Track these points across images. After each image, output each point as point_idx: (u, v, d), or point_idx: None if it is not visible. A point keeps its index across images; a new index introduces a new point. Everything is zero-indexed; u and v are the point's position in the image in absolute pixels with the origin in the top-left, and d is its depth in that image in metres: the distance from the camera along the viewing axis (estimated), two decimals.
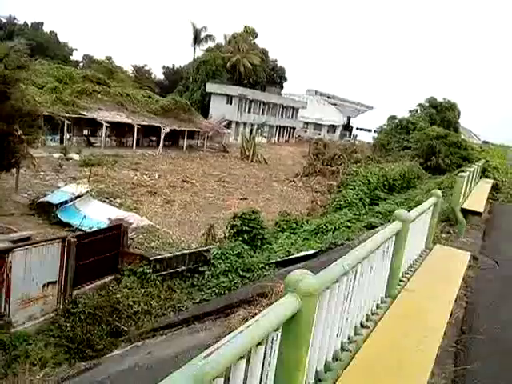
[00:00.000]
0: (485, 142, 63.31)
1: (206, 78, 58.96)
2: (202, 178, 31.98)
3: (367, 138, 57.64)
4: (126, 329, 10.54)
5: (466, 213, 8.96)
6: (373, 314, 3.67)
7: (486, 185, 14.29)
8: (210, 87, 56.36)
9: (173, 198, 25.44)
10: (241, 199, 28.10)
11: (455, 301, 4.37)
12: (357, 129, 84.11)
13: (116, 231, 13.17)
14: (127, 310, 10.85)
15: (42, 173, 25.54)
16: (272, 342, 1.90)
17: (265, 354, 1.86)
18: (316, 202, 25.93)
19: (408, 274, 4.78)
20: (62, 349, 9.73)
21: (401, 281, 4.51)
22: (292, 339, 1.99)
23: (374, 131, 50.55)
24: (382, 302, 3.93)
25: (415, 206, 5.30)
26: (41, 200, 19.00)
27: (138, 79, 60.10)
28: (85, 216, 17.05)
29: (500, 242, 8.48)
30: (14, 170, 19.67)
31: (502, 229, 9.90)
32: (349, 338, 3.14)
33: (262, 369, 1.91)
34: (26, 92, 18.47)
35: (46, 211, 18.42)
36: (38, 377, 7.78)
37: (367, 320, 3.51)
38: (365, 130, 76.81)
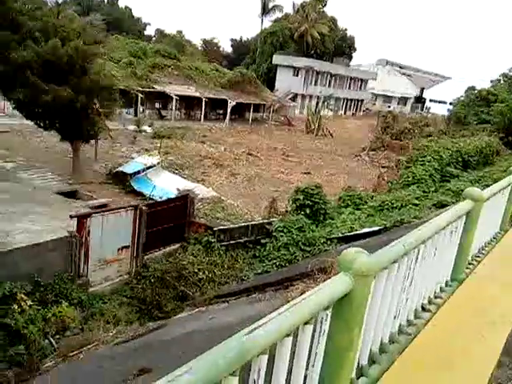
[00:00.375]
0: None
1: (272, 50, 58.26)
2: (266, 152, 32.16)
3: (442, 110, 54.17)
4: (191, 294, 11.16)
5: None
6: (436, 297, 3.49)
7: None
8: (277, 59, 55.66)
9: (237, 171, 25.94)
10: (304, 173, 27.96)
11: None
12: (430, 101, 79.19)
13: (183, 201, 13.79)
14: (192, 276, 11.47)
15: (118, 144, 27.12)
16: (321, 322, 1.87)
17: (314, 332, 1.84)
18: (382, 177, 25.11)
19: (479, 257, 4.50)
20: (133, 308, 10.57)
21: (470, 264, 4.26)
22: (343, 319, 1.93)
23: (450, 103, 47.34)
24: (446, 286, 3.73)
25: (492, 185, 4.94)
26: (116, 170, 20.26)
27: (207, 52, 60.91)
28: (154, 186, 17.96)
29: None
30: (92, 142, 21.07)
31: None
32: (408, 321, 2.99)
33: (311, 348, 1.88)
34: (104, 67, 19.43)
35: (121, 180, 19.64)
36: (111, 333, 8.55)
37: (429, 303, 3.34)
38: (439, 101, 72.14)
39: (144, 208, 12.00)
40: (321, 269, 6.77)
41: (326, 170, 29.63)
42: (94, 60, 17.62)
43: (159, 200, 15.73)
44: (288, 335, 1.61)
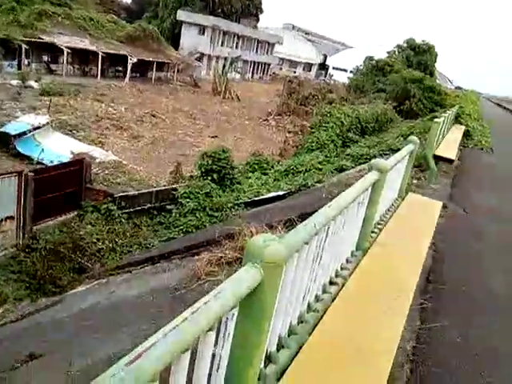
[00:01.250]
0: (458, 88, 63.54)
1: (177, 5, 54.92)
2: (171, 114, 30.78)
3: (343, 78, 56.46)
4: (90, 266, 10.32)
5: (438, 159, 8.88)
6: (342, 269, 3.43)
7: (458, 131, 14.29)
8: (181, 15, 52.65)
9: (140, 133, 24.49)
10: (211, 137, 27.41)
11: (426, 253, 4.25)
12: (333, 68, 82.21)
13: (78, 166, 12.52)
14: (91, 247, 10.58)
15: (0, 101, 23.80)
16: (226, 323, 1.60)
17: (217, 336, 1.56)
18: (288, 142, 25.64)
19: (380, 224, 4.60)
20: (22, 284, 9.48)
21: (372, 232, 4.29)
22: (252, 315, 1.70)
23: (350, 71, 49.50)
24: (352, 256, 3.71)
25: (387, 151, 5.06)
26: None
27: (102, 2, 55.38)
28: (43, 149, 16.13)
29: (469, 190, 8.52)
30: None
31: (471, 176, 9.96)
32: (316, 297, 2.87)
33: (214, 356, 1.62)
34: None
35: (3, 142, 17.30)
36: None
37: (336, 276, 3.27)
38: (341, 69, 75.16)
39: (30, 174, 10.62)
40: (228, 235, 6.52)
41: (233, 134, 29.36)
42: None
43: (50, 165, 14.16)
44: (186, 350, 1.27)
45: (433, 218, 4.94)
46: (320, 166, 15.73)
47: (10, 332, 6.49)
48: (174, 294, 5.35)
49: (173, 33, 54.09)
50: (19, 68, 31.85)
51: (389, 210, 5.05)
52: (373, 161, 3.75)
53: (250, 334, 1.72)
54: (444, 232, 5.42)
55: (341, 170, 15.48)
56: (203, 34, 53.18)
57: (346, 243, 3.39)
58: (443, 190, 8.03)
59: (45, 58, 34.47)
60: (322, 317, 2.74)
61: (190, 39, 52.48)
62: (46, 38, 32.67)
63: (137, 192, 13.07)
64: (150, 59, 39.61)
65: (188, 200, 12.75)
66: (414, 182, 8.51)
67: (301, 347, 2.41)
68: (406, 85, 29.10)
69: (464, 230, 6.01)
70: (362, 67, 38.36)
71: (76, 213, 12.18)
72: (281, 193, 12.91)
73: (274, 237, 1.69)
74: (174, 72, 44.40)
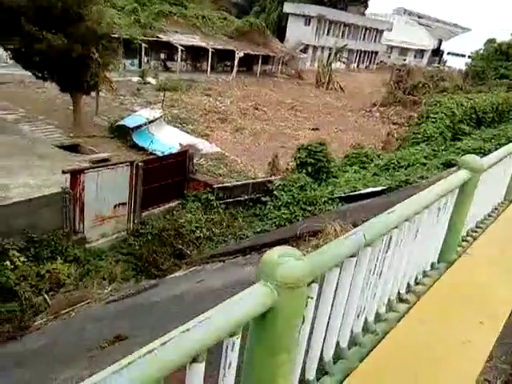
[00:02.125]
0: None
1: None
2: (274, 106, 31.25)
3: (460, 64, 51.67)
4: (188, 252, 11.06)
5: None
6: (417, 283, 2.91)
7: None
8: (288, 7, 52.86)
9: (243, 126, 25.31)
10: (312, 129, 27.22)
11: None
12: (448, 54, 75.63)
13: (182, 157, 13.43)
14: (190, 234, 11.32)
15: (122, 97, 26.46)
16: (227, 352, 1.37)
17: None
18: (392, 134, 24.33)
19: (476, 232, 3.95)
20: (130, 266, 10.53)
21: (464, 240, 3.68)
22: (263, 344, 1.46)
23: (469, 57, 45.09)
24: (432, 269, 3.14)
25: (505, 144, 4.34)
26: (118, 123, 19.81)
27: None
28: (152, 141, 17.55)
29: None
30: (94, 94, 20.49)
31: None
32: (377, 317, 2.45)
33: None
34: (103, 13, 18.43)
35: (123, 134, 19.23)
36: (105, 291, 8.51)
37: (407, 292, 2.76)
38: (457, 55, 68.85)
39: (140, 164, 11.70)
40: (314, 232, 6.48)
41: (335, 126, 28.80)
42: (90, 6, 16.67)
43: (157, 156, 15.38)
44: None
45: None
46: (425, 161, 14.72)
47: (111, 310, 7.27)
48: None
49: (279, 25, 54.62)
50: (139, 66, 34.96)
51: (490, 216, 4.48)
52: (462, 158, 3.23)
53: (261, 367, 1.49)
54: None
55: (449, 165, 14.29)
56: (308, 24, 52.78)
57: (422, 254, 2.90)
58: None
59: (162, 55, 37.34)
60: (381, 340, 2.35)
61: (295, 31, 52.48)
62: (163, 37, 35.30)
63: (234, 183, 13.60)
64: (256, 53, 40.54)
65: (282, 193, 12.91)
66: None
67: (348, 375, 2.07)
68: None
69: None
70: (481, 51, 34.67)
71: (179, 201, 13.11)
72: (378, 188, 12.39)
73: (295, 251, 1.47)
74: (278, 64, 44.90)
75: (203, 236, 11.43)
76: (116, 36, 24.46)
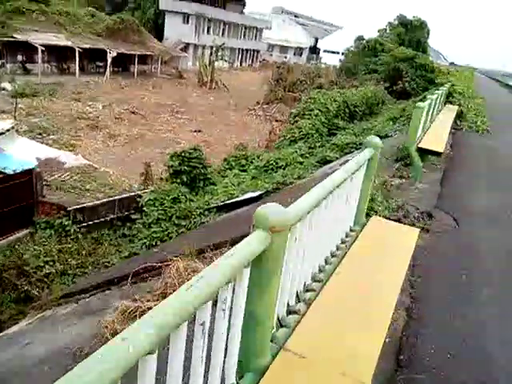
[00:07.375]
0: (452, 64, 61.61)
1: None
2: (153, 109, 29.36)
3: (334, 61, 54.59)
4: (37, 294, 9.10)
5: (424, 152, 7.54)
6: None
7: (449, 113, 12.88)
8: (163, 3, 50.65)
9: (117, 132, 23.14)
10: (195, 131, 26.03)
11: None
12: (324, 51, 80.00)
13: (26, 177, 11.22)
14: (37, 271, 9.34)
15: None
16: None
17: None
18: (275, 132, 24.19)
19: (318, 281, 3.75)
20: None
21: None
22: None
23: (342, 53, 47.75)
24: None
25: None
26: None
27: None
28: None
29: (462, 187, 7.19)
30: None
31: (465, 168, 8.62)
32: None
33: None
34: None
35: None
36: None
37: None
38: (332, 52, 73.05)
39: None
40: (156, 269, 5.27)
41: (218, 127, 27.97)
42: None
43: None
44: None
45: (405, 258, 3.34)
46: (302, 160, 14.41)
47: None
48: (74, 360, 4.12)
49: (156, 23, 52.20)
50: None
51: (338, 249, 3.48)
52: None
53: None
54: (425, 258, 4.12)
55: (324, 162, 14.15)
56: (187, 22, 51.27)
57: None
58: (430, 190, 6.74)
59: (19, 57, 32.94)
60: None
61: (174, 29, 50.56)
62: (20, 37, 31.13)
63: (96, 202, 11.78)
64: (131, 52, 37.96)
65: (153, 208, 11.48)
66: (396, 181, 7.22)
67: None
68: (398, 64, 27.64)
69: (451, 261, 4.65)
70: (352, 48, 36.70)
71: (28, 230, 10.92)
72: (256, 194, 11.63)
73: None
74: (157, 64, 42.75)
75: (55, 271, 9.51)
76: None
